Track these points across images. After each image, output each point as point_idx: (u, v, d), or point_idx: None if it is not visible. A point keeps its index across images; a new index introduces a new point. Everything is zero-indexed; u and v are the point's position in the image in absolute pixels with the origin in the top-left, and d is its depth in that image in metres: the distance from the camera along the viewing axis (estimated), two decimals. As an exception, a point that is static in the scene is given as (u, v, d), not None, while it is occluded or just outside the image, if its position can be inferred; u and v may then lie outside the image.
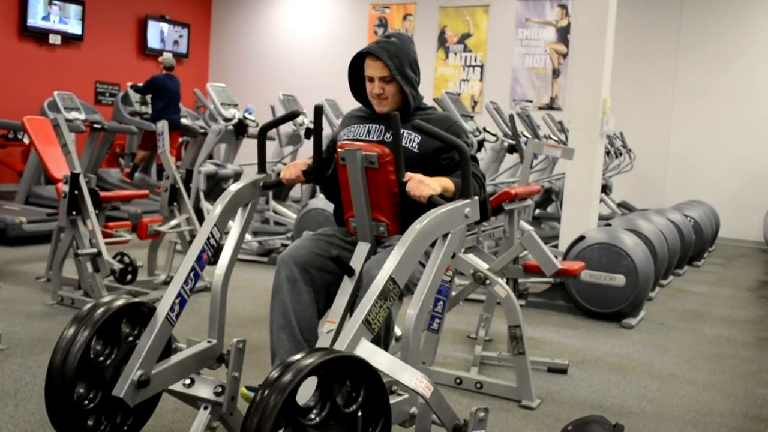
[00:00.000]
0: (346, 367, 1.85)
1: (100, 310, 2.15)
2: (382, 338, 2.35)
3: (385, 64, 2.61)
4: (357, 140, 2.68)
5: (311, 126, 7.34)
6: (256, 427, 1.68)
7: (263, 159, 2.66)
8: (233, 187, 2.53)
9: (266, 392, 1.72)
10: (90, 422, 2.17)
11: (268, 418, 1.68)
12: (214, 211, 2.45)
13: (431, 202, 2.33)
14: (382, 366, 2.00)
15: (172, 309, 2.19)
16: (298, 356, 1.80)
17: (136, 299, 2.29)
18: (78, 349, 2.07)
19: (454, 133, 2.55)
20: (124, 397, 2.07)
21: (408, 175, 2.40)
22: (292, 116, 2.81)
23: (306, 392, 1.78)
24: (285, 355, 2.47)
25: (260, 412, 1.70)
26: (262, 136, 2.70)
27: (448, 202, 2.33)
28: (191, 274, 2.30)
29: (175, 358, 2.25)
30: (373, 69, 2.65)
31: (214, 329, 2.35)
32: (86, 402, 2.15)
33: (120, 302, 2.21)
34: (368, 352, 2.00)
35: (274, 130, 7.34)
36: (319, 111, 2.49)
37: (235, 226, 2.55)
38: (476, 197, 2.35)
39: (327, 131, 7.21)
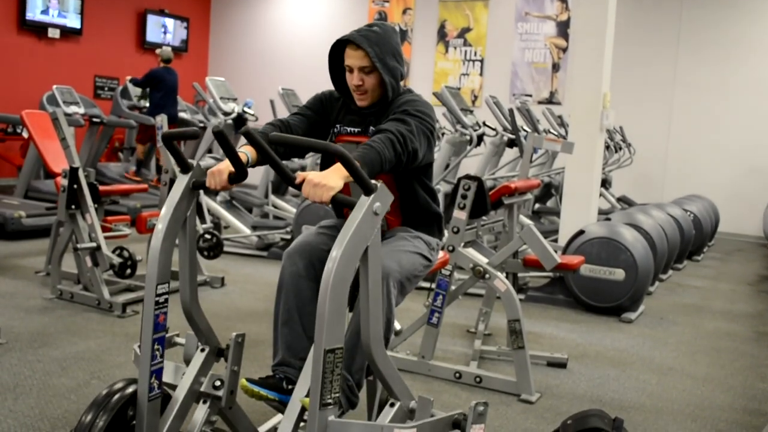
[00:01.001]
0: None
1: (116, 397, 2.17)
2: (383, 332, 2.34)
3: (365, 53, 2.47)
4: (347, 135, 2.63)
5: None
6: None
7: (182, 159, 2.25)
8: (165, 218, 2.16)
9: None
10: None
11: None
12: (151, 269, 2.13)
13: (337, 203, 2.02)
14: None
15: (150, 389, 2.16)
16: None
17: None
18: None
19: (405, 110, 2.43)
20: None
21: (300, 175, 2.05)
22: (192, 135, 2.51)
23: None
24: (286, 349, 2.47)
25: None
26: (169, 146, 2.26)
27: (356, 191, 2.05)
28: (156, 346, 2.15)
29: (178, 399, 2.22)
30: (353, 58, 2.51)
31: (202, 336, 2.32)
32: None
33: (133, 388, 2.21)
34: (338, 429, 1.96)
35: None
36: (220, 136, 2.08)
37: (181, 252, 2.27)
38: (379, 182, 1.97)
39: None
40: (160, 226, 2.15)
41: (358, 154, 2.17)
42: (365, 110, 2.61)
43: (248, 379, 2.35)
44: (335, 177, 2.03)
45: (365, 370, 2.40)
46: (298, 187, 2.03)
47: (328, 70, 2.70)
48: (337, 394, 1.95)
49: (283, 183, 1.82)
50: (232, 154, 2.16)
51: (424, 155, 2.47)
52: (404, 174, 2.54)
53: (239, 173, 2.23)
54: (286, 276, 2.52)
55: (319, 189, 2.00)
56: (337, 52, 2.63)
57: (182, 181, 2.22)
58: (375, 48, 2.48)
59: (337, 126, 2.66)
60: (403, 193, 2.59)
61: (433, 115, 2.53)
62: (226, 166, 2.26)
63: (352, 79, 2.54)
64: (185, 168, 2.23)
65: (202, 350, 2.31)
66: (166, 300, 2.16)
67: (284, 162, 2.10)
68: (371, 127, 2.57)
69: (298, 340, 2.47)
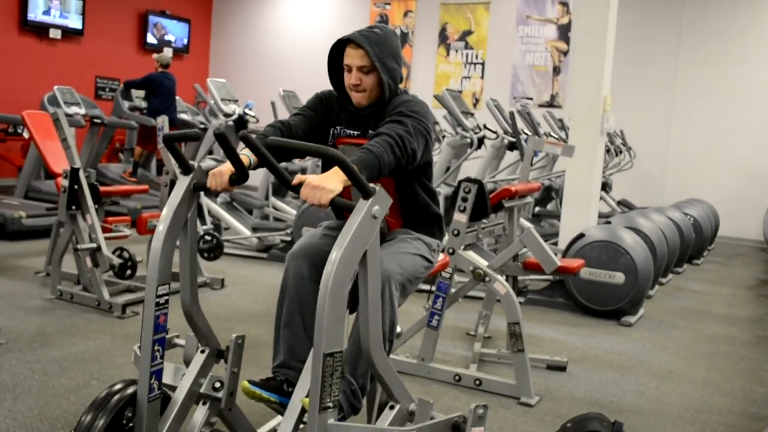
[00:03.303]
0: None
1: (116, 398, 2.17)
2: (387, 335, 2.34)
3: (365, 52, 2.48)
4: (347, 137, 2.64)
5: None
6: None
7: (183, 160, 2.26)
8: (166, 220, 2.16)
9: None
10: None
11: None
12: (152, 270, 2.14)
13: (335, 206, 2.02)
14: None
15: (150, 390, 2.17)
16: None
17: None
18: None
19: (400, 111, 2.43)
20: None
21: (298, 178, 2.04)
22: (193, 137, 2.52)
23: None
24: (287, 351, 2.47)
25: None
26: (170, 147, 2.27)
27: (355, 194, 2.03)
28: (156, 347, 2.15)
29: (178, 401, 2.22)
30: (352, 57, 2.52)
31: (202, 338, 2.33)
32: None
33: (133, 389, 2.21)
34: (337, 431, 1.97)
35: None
36: (221, 138, 2.08)
37: (182, 254, 2.27)
38: (378, 186, 1.97)
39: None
40: (161, 227, 2.15)
41: (357, 158, 2.16)
42: (363, 111, 2.61)
43: (249, 381, 2.35)
44: (334, 180, 2.02)
45: (369, 374, 2.40)
46: (296, 189, 2.03)
47: (327, 72, 2.70)
48: (337, 398, 1.95)
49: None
50: (233, 156, 2.16)
51: (422, 155, 2.47)
52: (404, 175, 2.54)
53: (240, 175, 2.23)
54: (289, 278, 2.52)
55: (317, 192, 1.99)
56: (336, 52, 2.63)
57: (183, 183, 2.22)
58: (375, 48, 2.49)
59: (337, 127, 2.66)
60: (402, 194, 2.59)
61: (429, 115, 2.53)
62: (227, 167, 2.26)
63: (350, 79, 2.54)
64: (186, 169, 2.23)
65: (202, 351, 2.31)
66: (167, 301, 2.16)
67: (285, 163, 2.12)
68: (370, 130, 2.57)
69: (299, 343, 2.47)
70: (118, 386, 2.22)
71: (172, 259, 2.17)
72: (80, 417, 2.13)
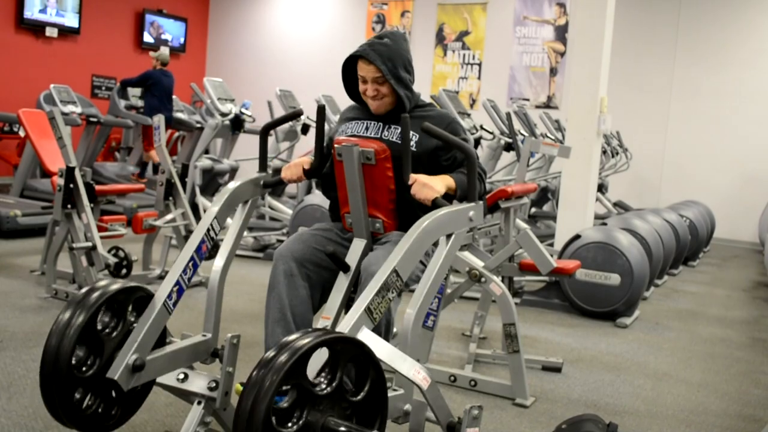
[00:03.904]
0: (348, 349, 1.84)
1: (96, 294, 2.14)
2: (383, 335, 2.34)
3: (377, 68, 2.58)
4: (355, 137, 2.67)
5: (308, 122, 7.33)
6: (251, 408, 1.68)
7: (264, 158, 2.63)
8: (233, 184, 2.53)
9: (262, 371, 1.72)
10: (83, 406, 2.16)
11: (264, 397, 1.68)
12: (213, 206, 2.44)
13: (435, 205, 2.33)
14: (381, 354, 2.00)
15: (170, 296, 2.20)
16: (295, 336, 1.80)
17: (133, 284, 2.27)
18: (73, 333, 2.06)
19: (453, 131, 2.54)
20: (119, 380, 2.06)
21: (412, 177, 2.39)
22: (294, 116, 2.78)
23: (311, 369, 1.78)
24: (277, 348, 2.48)
25: (256, 392, 1.70)
26: (264, 135, 2.67)
27: (451, 203, 2.34)
28: (190, 264, 2.30)
29: (170, 348, 2.25)
30: (365, 71, 2.62)
31: (210, 323, 2.35)
32: (80, 385, 2.14)
33: (116, 286, 2.19)
34: (369, 339, 2.00)
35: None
36: (321, 110, 2.46)
37: (234, 223, 2.54)
38: (481, 201, 2.35)
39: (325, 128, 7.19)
40: (228, 188, 2.52)
41: (457, 177, 2.49)
42: (381, 120, 2.71)
43: (243, 384, 2.35)
44: (440, 183, 2.41)
45: None
46: (410, 185, 2.38)
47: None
48: (380, 317, 2.09)
49: (402, 180, 2.22)
50: (320, 138, 2.53)
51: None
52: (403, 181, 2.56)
53: (320, 164, 2.58)
54: (278, 275, 2.54)
55: (426, 188, 2.37)
56: (348, 61, 2.73)
57: (256, 175, 2.61)
58: (388, 64, 2.59)
59: (346, 125, 2.76)
60: (401, 198, 2.60)
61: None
62: (304, 160, 2.63)
63: (367, 90, 2.65)
64: (263, 167, 2.63)
65: (204, 336, 2.33)
66: (214, 238, 2.41)
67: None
68: (385, 131, 2.66)
69: (289, 339, 2.48)
70: (101, 283, 2.20)
71: (228, 214, 2.48)
72: (58, 314, 2.09)
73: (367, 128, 2.71)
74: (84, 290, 2.16)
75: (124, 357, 2.09)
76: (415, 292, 2.22)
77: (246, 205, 2.57)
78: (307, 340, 1.76)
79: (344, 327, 2.00)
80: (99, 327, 2.17)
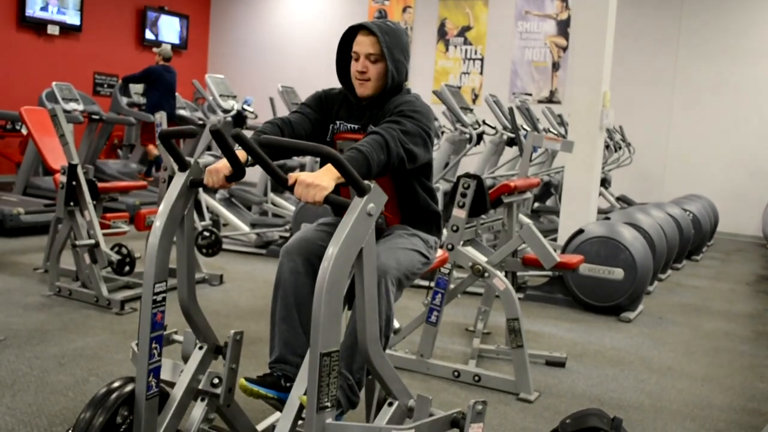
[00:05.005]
0: None
1: (114, 396, 2.16)
2: (383, 330, 2.33)
3: (377, 40, 2.50)
4: (350, 132, 2.63)
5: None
6: None
7: (180, 157, 2.27)
8: (163, 216, 2.16)
9: None
10: None
11: None
12: (148, 268, 2.13)
13: (329, 203, 2.02)
14: None
15: (149, 388, 2.16)
16: None
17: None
18: None
19: (401, 111, 2.43)
20: None
21: (291, 176, 2.04)
22: (190, 134, 2.51)
23: None
24: (283, 346, 2.46)
25: None
26: (167, 144, 2.29)
27: (349, 191, 2.04)
28: (153, 344, 2.14)
29: (176, 398, 2.22)
30: (362, 45, 2.53)
31: (200, 334, 2.32)
32: None
33: (130, 387, 2.20)
34: (335, 431, 1.96)
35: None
36: (216, 135, 2.04)
37: (179, 249, 2.28)
38: (372, 183, 1.99)
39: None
40: (158, 224, 2.15)
41: (346, 157, 2.14)
42: (364, 103, 2.60)
43: (247, 379, 2.35)
44: (327, 177, 2.03)
45: (366, 369, 2.40)
46: (291, 188, 2.03)
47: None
48: (335, 396, 1.95)
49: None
50: (229, 153, 2.14)
51: (421, 156, 2.46)
52: (403, 174, 2.53)
53: (237, 172, 2.22)
54: (284, 272, 2.52)
55: (311, 189, 2.00)
56: (345, 43, 2.63)
57: (180, 179, 2.22)
58: (386, 37, 2.51)
59: (337, 122, 2.66)
60: (401, 192, 2.59)
61: (430, 115, 2.52)
62: (223, 164, 2.25)
63: (357, 66, 2.54)
64: (183, 166, 2.23)
65: (200, 348, 2.30)
66: (164, 299, 2.15)
67: (283, 161, 2.13)
68: (371, 124, 2.56)
69: (295, 337, 2.47)
70: (116, 384, 2.21)
71: (168, 256, 2.17)
72: (79, 414, 2.12)
73: (358, 128, 2.62)
74: (102, 390, 2.17)
75: None
76: (358, 325, 2.05)
77: (183, 226, 2.24)
78: None
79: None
80: (117, 424, 2.19)
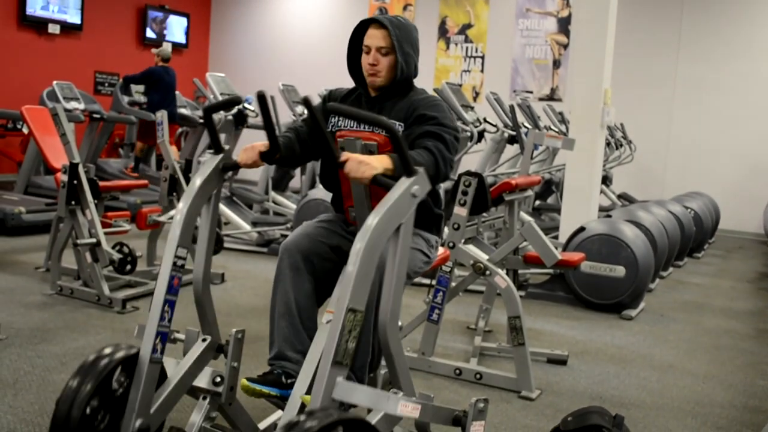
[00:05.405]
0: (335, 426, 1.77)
1: (104, 362, 2.12)
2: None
3: (388, 33, 2.57)
4: (353, 130, 2.64)
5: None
6: None
7: (217, 139, 2.40)
8: (193, 188, 2.26)
9: None
10: None
11: None
12: (174, 231, 2.22)
13: (376, 182, 2.12)
14: (364, 402, 1.98)
15: (154, 350, 2.14)
16: (296, 419, 1.73)
17: (136, 349, 2.20)
18: (83, 399, 2.05)
19: (435, 113, 2.50)
20: None
21: (345, 154, 2.18)
22: (234, 102, 2.60)
23: None
24: (283, 342, 2.47)
25: None
26: (208, 118, 2.41)
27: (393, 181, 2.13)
28: (166, 308, 2.17)
29: (172, 381, 2.21)
30: (373, 38, 2.59)
31: (207, 326, 2.32)
32: None
33: (123, 353, 2.16)
34: (346, 392, 1.96)
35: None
36: (261, 98, 2.19)
37: (202, 227, 2.36)
38: (421, 168, 2.09)
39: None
40: (189, 193, 2.25)
41: (394, 156, 2.24)
42: (374, 97, 2.65)
43: (248, 378, 2.35)
44: (378, 161, 2.17)
45: (368, 367, 2.40)
46: (342, 164, 2.15)
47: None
48: (351, 357, 1.99)
49: (334, 161, 1.96)
50: (268, 121, 2.26)
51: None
52: None
53: (272, 148, 2.33)
54: (283, 268, 2.53)
55: (362, 166, 2.12)
56: (356, 37, 2.69)
57: (213, 161, 2.32)
58: (397, 31, 2.58)
59: (338, 119, 2.67)
60: None
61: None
62: (260, 143, 2.40)
63: (368, 59, 2.60)
64: (218, 149, 2.34)
65: (204, 340, 2.30)
66: (183, 265, 2.21)
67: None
68: (380, 111, 2.59)
69: (296, 334, 2.48)
70: (107, 350, 2.16)
71: (193, 226, 2.26)
72: (67, 381, 2.08)
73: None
74: (92, 356, 2.15)
75: (128, 425, 2.08)
76: (381, 301, 2.11)
77: (210, 203, 2.33)
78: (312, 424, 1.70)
79: (320, 387, 1.95)
80: (108, 392, 2.16)
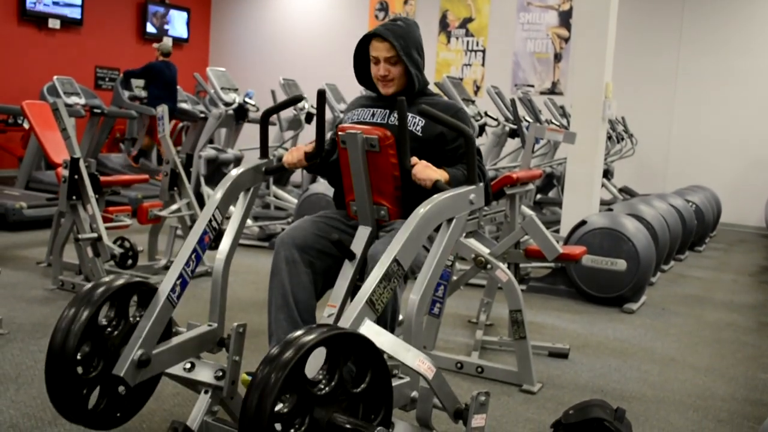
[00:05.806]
0: (350, 344, 1.83)
1: (101, 290, 2.14)
2: (388, 322, 2.34)
3: (391, 45, 2.61)
4: (361, 123, 2.67)
5: (312, 111, 7.31)
6: (257, 404, 1.67)
7: (265, 144, 2.63)
8: (234, 172, 2.50)
9: (267, 368, 1.71)
10: (90, 402, 2.17)
11: (270, 393, 1.66)
12: (215, 195, 2.43)
13: (436, 188, 2.35)
14: (384, 346, 1.99)
15: (173, 290, 2.19)
16: (299, 332, 1.78)
17: (137, 279, 2.27)
18: (78, 329, 2.05)
19: (460, 120, 2.55)
20: (125, 376, 2.06)
21: (414, 159, 2.43)
22: (295, 101, 2.77)
23: (314, 366, 1.77)
24: (282, 335, 2.47)
25: (261, 388, 1.67)
26: (264, 121, 2.67)
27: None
28: (192, 256, 2.29)
29: (175, 340, 2.25)
30: (379, 50, 2.65)
31: (215, 313, 2.35)
32: (86, 382, 2.14)
33: (120, 282, 2.19)
34: (371, 331, 1.99)
35: (274, 115, 7.36)
36: (322, 95, 2.46)
37: (236, 212, 2.53)
38: (481, 183, 2.36)
39: (328, 116, 7.19)
40: (233, 173, 2.50)
41: (452, 172, 2.50)
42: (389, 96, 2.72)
43: (249, 373, 2.36)
44: (440, 171, 2.45)
45: None
46: (412, 167, 2.42)
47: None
48: (383, 307, 2.08)
49: (402, 162, 2.28)
50: (321, 120, 2.48)
51: None
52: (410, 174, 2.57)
53: (318, 149, 2.54)
54: (279, 261, 2.54)
55: (429, 170, 2.42)
56: (360, 46, 2.75)
57: (257, 162, 2.58)
58: (400, 41, 2.63)
59: (345, 116, 2.77)
60: (407, 186, 2.59)
61: None
62: (305, 146, 2.62)
63: (378, 70, 2.68)
64: (264, 154, 2.62)
65: (210, 325, 2.33)
66: (217, 227, 2.40)
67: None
68: (393, 116, 2.66)
69: (294, 326, 2.48)
70: (105, 279, 2.20)
71: (231, 201, 2.48)
72: (62, 311, 2.08)
73: (373, 115, 2.72)
74: (88, 286, 2.16)
75: (130, 353, 2.09)
76: (417, 278, 2.21)
77: (248, 193, 2.55)
78: (311, 337, 1.75)
79: (347, 320, 1.99)
80: (104, 323, 2.17)
